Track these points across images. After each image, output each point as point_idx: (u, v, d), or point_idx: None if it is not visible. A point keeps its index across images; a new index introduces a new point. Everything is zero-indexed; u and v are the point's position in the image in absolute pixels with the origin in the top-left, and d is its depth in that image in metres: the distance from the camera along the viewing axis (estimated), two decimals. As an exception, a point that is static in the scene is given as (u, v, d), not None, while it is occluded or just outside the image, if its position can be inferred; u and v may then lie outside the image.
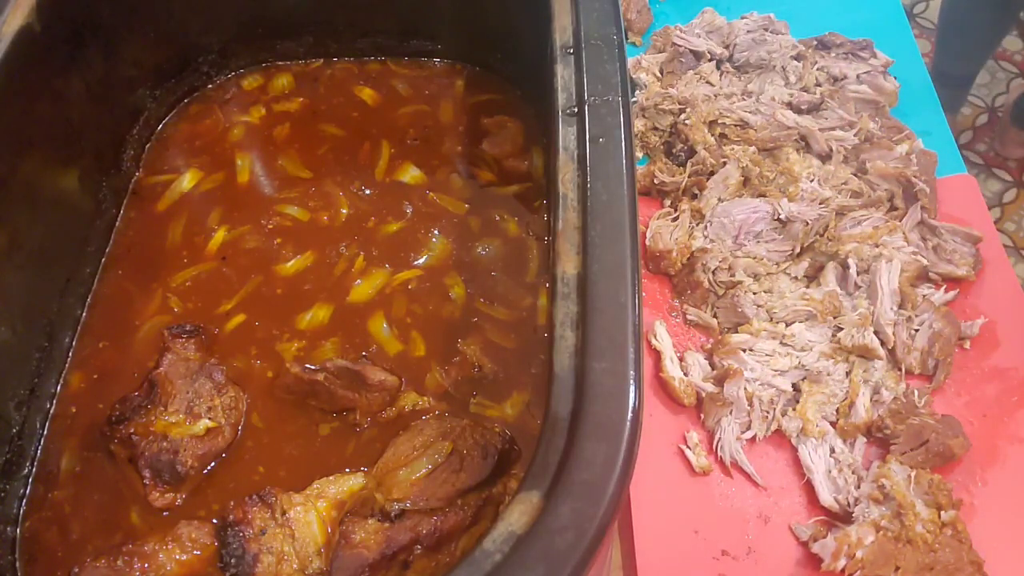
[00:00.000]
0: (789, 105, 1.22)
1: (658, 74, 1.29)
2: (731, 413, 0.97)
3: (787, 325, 1.03)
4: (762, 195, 1.12)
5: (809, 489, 0.94)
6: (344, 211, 1.02)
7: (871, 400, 0.97)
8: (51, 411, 0.89)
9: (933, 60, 2.15)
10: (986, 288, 1.08)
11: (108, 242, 1.00)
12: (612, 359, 0.61)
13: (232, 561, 0.77)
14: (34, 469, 0.86)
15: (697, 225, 1.12)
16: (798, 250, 1.08)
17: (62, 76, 0.93)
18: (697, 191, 1.15)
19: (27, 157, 0.87)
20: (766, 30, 1.30)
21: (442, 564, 0.77)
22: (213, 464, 0.85)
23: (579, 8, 0.82)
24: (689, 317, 1.07)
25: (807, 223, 1.07)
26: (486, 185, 1.05)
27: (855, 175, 1.14)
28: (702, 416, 0.99)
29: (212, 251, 0.99)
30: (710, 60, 1.29)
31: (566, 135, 0.75)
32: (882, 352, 1.00)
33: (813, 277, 1.08)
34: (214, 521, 0.80)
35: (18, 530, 0.83)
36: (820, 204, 1.10)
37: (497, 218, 1.01)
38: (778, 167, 1.15)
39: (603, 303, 0.64)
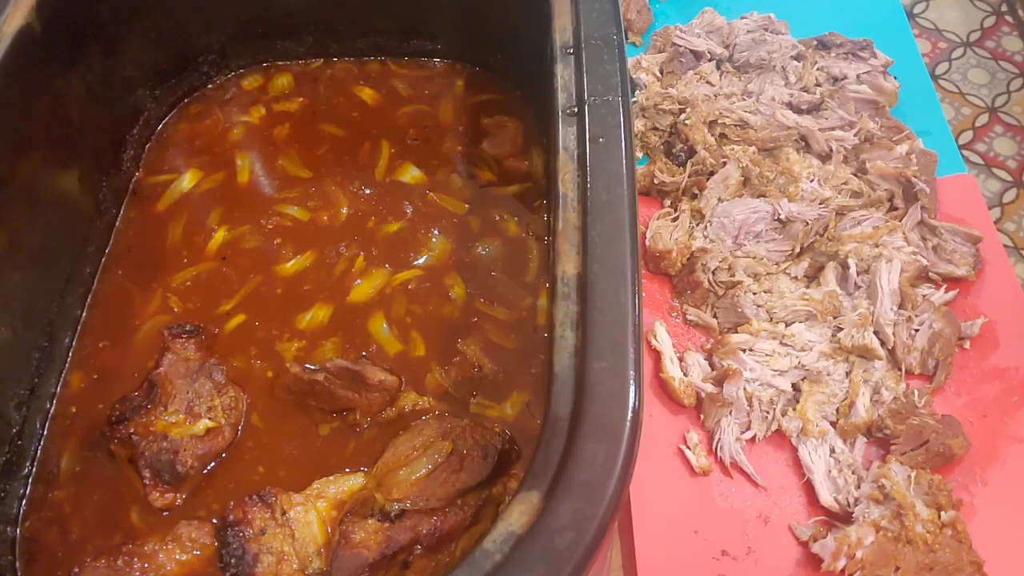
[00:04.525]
0: (789, 105, 1.22)
1: (658, 74, 1.29)
2: (731, 413, 0.97)
3: (787, 325, 1.03)
4: (762, 195, 1.12)
5: (809, 489, 0.94)
6: (344, 211, 1.02)
7: (871, 400, 0.97)
8: (51, 411, 0.89)
9: None
10: (986, 288, 1.08)
11: (108, 242, 1.00)
12: (612, 359, 0.61)
13: (232, 561, 0.77)
14: (34, 469, 0.86)
15: (697, 225, 1.12)
16: (798, 250, 1.08)
17: (62, 76, 0.93)
18: (697, 191, 1.14)
19: (27, 157, 0.87)
20: (766, 30, 1.30)
21: (442, 564, 0.77)
22: (213, 464, 0.85)
23: (579, 8, 0.83)
24: (689, 317, 1.07)
25: (807, 223, 1.07)
26: (486, 185, 1.05)
27: (855, 175, 1.14)
28: (702, 416, 0.99)
29: (212, 251, 0.99)
30: (710, 60, 1.29)
31: (566, 135, 0.75)
32: (882, 352, 1.00)
33: (813, 277, 1.08)
34: (214, 521, 0.80)
35: (18, 530, 0.83)
36: (820, 204, 1.10)
37: (497, 218, 1.01)
38: (778, 167, 1.15)
39: (603, 303, 0.64)
